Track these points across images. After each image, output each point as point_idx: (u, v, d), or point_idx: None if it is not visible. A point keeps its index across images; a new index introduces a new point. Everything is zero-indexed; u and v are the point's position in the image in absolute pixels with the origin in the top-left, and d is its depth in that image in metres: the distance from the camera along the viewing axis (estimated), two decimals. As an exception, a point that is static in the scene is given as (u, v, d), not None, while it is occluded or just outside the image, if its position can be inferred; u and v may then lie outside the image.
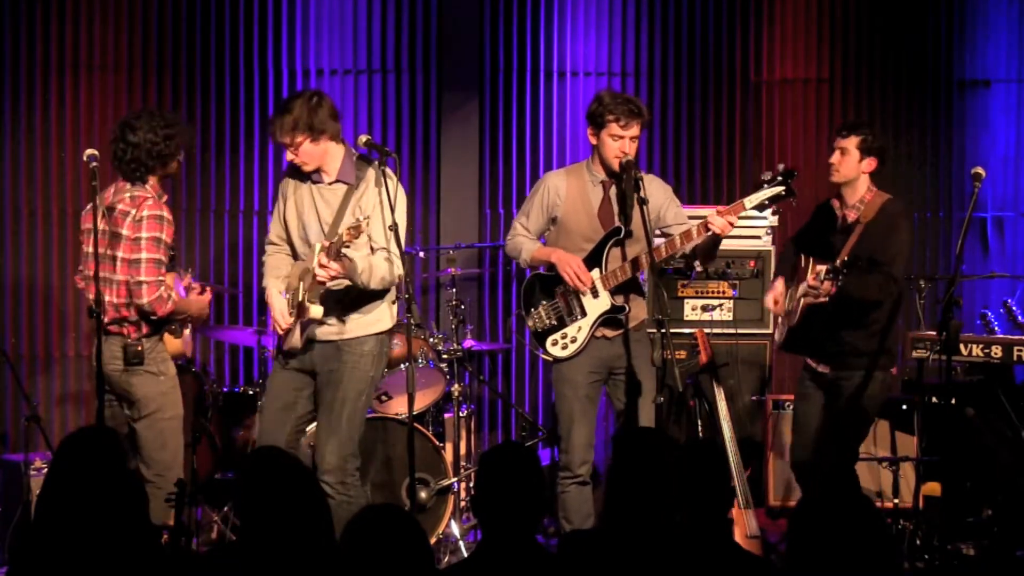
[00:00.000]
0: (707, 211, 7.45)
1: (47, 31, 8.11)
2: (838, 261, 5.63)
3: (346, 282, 5.45)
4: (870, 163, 5.91)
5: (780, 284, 6.08)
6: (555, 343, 5.85)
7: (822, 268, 5.66)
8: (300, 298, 5.50)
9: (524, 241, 5.93)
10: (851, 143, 5.90)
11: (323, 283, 5.38)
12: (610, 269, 5.79)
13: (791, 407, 7.05)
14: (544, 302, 5.89)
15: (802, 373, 6.15)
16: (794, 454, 6.13)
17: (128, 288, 5.56)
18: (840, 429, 5.96)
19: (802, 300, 5.89)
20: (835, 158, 5.94)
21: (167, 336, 5.72)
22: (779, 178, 5.62)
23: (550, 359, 5.88)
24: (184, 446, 6.54)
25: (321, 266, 5.29)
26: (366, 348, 5.56)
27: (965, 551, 6.48)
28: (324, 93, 5.62)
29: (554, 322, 5.86)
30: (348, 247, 5.27)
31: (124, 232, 5.56)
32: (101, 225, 5.57)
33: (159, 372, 5.67)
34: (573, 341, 5.82)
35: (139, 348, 5.60)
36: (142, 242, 5.55)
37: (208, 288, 5.97)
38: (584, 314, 5.81)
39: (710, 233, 5.61)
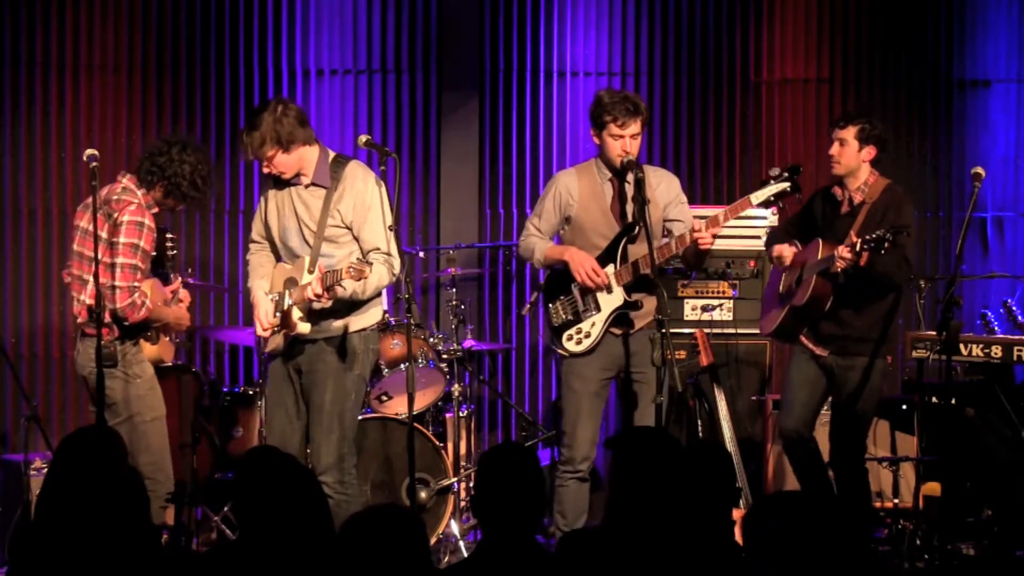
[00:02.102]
0: (709, 211, 7.49)
1: (47, 31, 8.10)
2: (882, 231, 5.63)
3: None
4: (869, 151, 5.98)
5: (777, 247, 6.13)
6: (570, 338, 5.85)
7: (859, 240, 5.66)
8: (284, 306, 5.50)
9: (537, 241, 5.93)
10: (849, 133, 5.96)
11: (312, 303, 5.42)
12: (623, 266, 5.80)
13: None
14: (561, 297, 5.90)
15: (795, 352, 6.16)
16: (781, 422, 6.18)
17: (103, 291, 5.54)
18: (849, 422, 6.03)
19: (814, 279, 5.89)
20: (835, 149, 6.00)
21: (143, 342, 5.73)
22: (784, 174, 5.63)
23: (566, 354, 5.87)
24: (184, 446, 6.56)
25: (316, 295, 5.31)
26: (349, 347, 5.55)
27: (965, 551, 6.48)
28: (288, 100, 5.61)
29: (570, 317, 5.87)
30: (343, 287, 5.29)
31: (103, 234, 5.56)
32: (86, 224, 5.60)
33: (134, 375, 5.66)
34: (587, 336, 5.82)
35: (111, 350, 5.59)
36: (119, 247, 5.56)
37: (181, 298, 5.95)
38: (598, 309, 5.81)
39: (689, 244, 5.63)
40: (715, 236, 5.64)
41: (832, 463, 6.16)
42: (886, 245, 5.61)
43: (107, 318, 5.57)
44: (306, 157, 5.55)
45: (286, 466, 3.69)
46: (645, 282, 5.83)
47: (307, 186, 5.57)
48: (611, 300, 5.80)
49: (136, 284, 5.55)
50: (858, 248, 5.67)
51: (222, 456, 6.96)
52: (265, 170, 5.57)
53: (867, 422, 6.19)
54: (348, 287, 5.35)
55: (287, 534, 3.51)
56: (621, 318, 5.82)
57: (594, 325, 5.82)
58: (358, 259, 5.26)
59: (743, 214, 7.27)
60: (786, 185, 5.64)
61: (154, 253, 5.89)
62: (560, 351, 5.89)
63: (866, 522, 6.26)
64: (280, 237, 5.64)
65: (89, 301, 5.56)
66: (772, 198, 5.67)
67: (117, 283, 5.53)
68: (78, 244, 5.71)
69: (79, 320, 5.71)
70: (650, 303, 5.84)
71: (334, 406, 5.52)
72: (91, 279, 5.56)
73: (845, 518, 3.33)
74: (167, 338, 5.90)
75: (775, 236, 6.34)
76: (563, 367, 5.92)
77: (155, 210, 5.74)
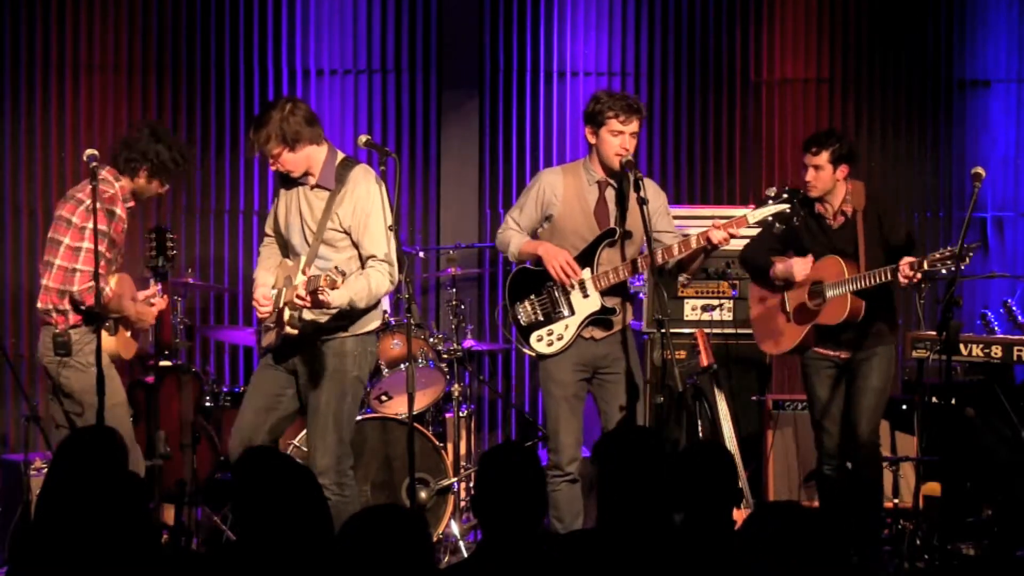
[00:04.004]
0: (707, 211, 7.51)
1: (47, 31, 8.11)
2: (954, 248, 5.65)
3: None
4: (843, 170, 6.00)
5: (789, 261, 6.09)
6: (540, 339, 5.82)
7: (924, 259, 5.68)
8: (280, 304, 5.49)
9: (514, 235, 5.89)
10: (823, 159, 5.96)
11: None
12: (602, 270, 5.77)
13: (791, 407, 7.06)
14: (532, 296, 5.86)
15: (812, 364, 6.13)
16: (824, 444, 6.14)
17: (64, 274, 5.59)
18: (871, 408, 6.04)
19: (849, 297, 5.91)
20: (810, 176, 6.00)
21: (102, 332, 5.68)
22: (784, 195, 5.61)
23: (533, 354, 5.87)
24: (184, 446, 6.55)
25: (299, 298, 5.31)
26: (346, 348, 5.53)
27: (965, 551, 6.48)
28: (298, 99, 5.61)
29: (540, 318, 5.84)
30: (324, 293, 5.26)
31: (74, 220, 5.61)
32: (61, 211, 5.62)
33: (88, 364, 5.61)
34: (559, 339, 5.80)
35: (65, 339, 5.61)
36: (86, 231, 5.58)
37: (157, 304, 5.94)
38: (572, 312, 5.79)
39: (705, 244, 5.60)
40: (732, 237, 5.61)
41: (850, 455, 6.14)
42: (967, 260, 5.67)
43: (66, 304, 5.60)
44: (314, 157, 5.54)
45: (284, 466, 3.69)
46: (622, 289, 5.83)
47: (312, 187, 5.57)
48: (587, 304, 5.78)
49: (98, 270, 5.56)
50: (926, 267, 5.68)
51: (222, 456, 6.96)
52: (272, 168, 5.57)
53: (883, 411, 6.20)
54: (336, 296, 5.32)
55: (286, 534, 3.51)
56: (599, 322, 5.80)
57: (567, 328, 5.79)
58: (335, 268, 5.24)
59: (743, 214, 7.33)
60: (785, 207, 5.61)
61: (150, 234, 5.92)
62: (528, 351, 5.87)
63: (876, 523, 6.25)
64: (285, 234, 5.65)
65: (52, 284, 5.61)
66: (770, 218, 5.65)
67: (79, 266, 5.58)
68: (52, 231, 5.75)
69: (38, 305, 5.72)
70: (624, 309, 5.84)
71: (330, 408, 5.51)
72: (57, 262, 5.61)
73: (845, 525, 3.37)
74: (128, 332, 5.86)
75: (756, 253, 6.29)
76: (540, 373, 5.91)
77: (131, 203, 5.77)
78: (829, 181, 5.99)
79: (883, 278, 5.84)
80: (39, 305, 5.72)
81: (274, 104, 5.55)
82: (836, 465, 6.14)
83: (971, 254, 5.70)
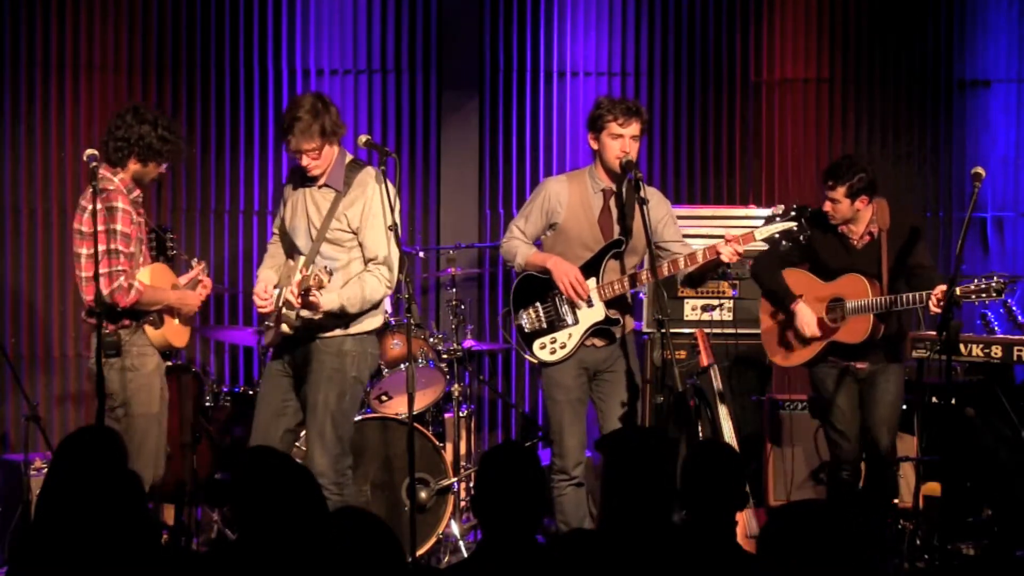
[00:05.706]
0: (707, 211, 7.51)
1: (47, 31, 8.11)
2: (989, 279, 5.71)
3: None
4: (862, 201, 5.97)
5: (806, 308, 6.07)
6: (543, 347, 5.82)
7: (958, 289, 5.69)
8: (280, 303, 5.50)
9: (520, 245, 5.89)
10: (839, 193, 5.95)
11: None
12: (607, 280, 5.77)
13: (791, 407, 7.06)
14: (536, 304, 5.85)
15: (828, 372, 6.14)
16: (843, 452, 6.16)
17: (92, 284, 5.51)
18: (890, 420, 6.12)
19: (872, 318, 5.94)
20: (828, 208, 6.01)
21: (148, 327, 5.67)
22: (792, 213, 5.58)
23: (535, 362, 5.86)
24: (184, 446, 6.54)
25: (292, 295, 5.30)
26: (344, 348, 5.54)
27: (965, 551, 6.48)
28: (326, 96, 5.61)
29: (544, 326, 5.83)
30: (317, 292, 5.25)
31: (83, 228, 5.56)
32: (78, 225, 5.59)
33: (132, 367, 5.60)
34: (562, 347, 5.79)
35: (115, 339, 5.56)
36: (95, 235, 5.53)
37: (203, 283, 5.92)
38: (576, 321, 5.78)
39: (714, 258, 5.57)
40: (740, 253, 5.56)
41: (868, 462, 6.19)
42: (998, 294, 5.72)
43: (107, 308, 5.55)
44: (333, 155, 5.56)
45: (283, 466, 3.69)
46: (620, 298, 5.82)
47: (320, 187, 5.57)
48: (592, 314, 5.77)
49: (120, 268, 5.51)
50: (957, 296, 5.69)
51: (222, 456, 6.96)
52: (306, 163, 5.52)
53: (899, 420, 6.26)
54: (327, 299, 5.33)
55: (286, 534, 3.51)
56: (601, 331, 5.80)
57: (571, 337, 5.79)
58: (324, 267, 5.24)
59: (743, 214, 7.35)
60: (792, 224, 5.57)
61: (151, 233, 5.88)
62: (530, 358, 5.87)
63: (886, 525, 6.29)
64: (291, 235, 5.66)
65: (88, 298, 5.55)
66: (777, 235, 5.62)
67: (99, 270, 5.52)
68: (75, 246, 5.70)
69: (83, 316, 5.72)
70: (626, 317, 5.85)
71: (328, 408, 5.52)
72: (84, 274, 5.56)
73: (857, 527, 3.34)
74: (175, 320, 5.80)
75: (769, 270, 6.24)
76: (543, 378, 5.91)
77: (135, 193, 5.70)
78: (848, 212, 6.00)
79: (912, 303, 5.85)
80: (84, 315, 5.66)
81: (305, 100, 5.50)
82: (853, 470, 6.16)
83: (1012, 286, 5.74)
